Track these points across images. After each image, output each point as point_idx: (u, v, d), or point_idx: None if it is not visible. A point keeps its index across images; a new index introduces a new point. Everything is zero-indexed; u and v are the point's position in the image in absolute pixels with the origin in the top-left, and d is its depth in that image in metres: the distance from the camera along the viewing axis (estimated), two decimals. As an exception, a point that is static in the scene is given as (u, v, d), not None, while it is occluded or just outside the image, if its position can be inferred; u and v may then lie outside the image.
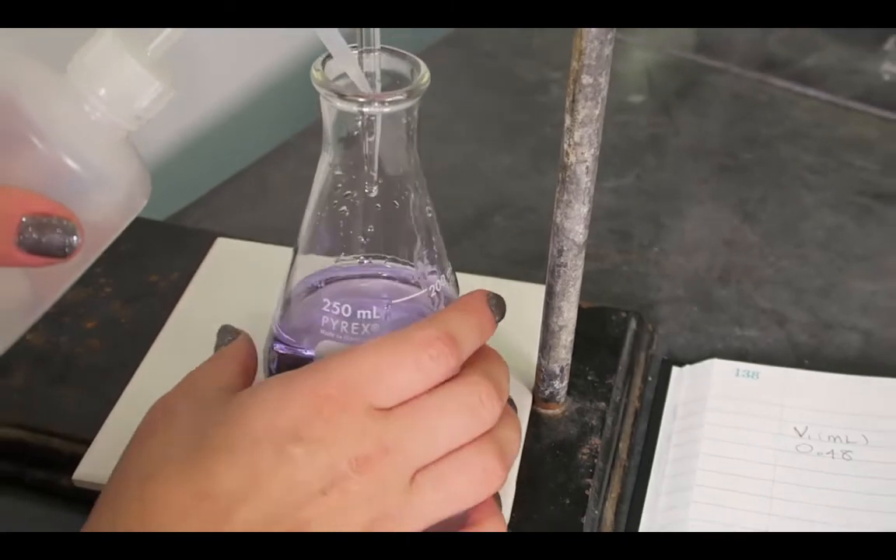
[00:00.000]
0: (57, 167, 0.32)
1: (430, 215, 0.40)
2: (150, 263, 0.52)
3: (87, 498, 0.42)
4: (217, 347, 0.40)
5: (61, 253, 0.31)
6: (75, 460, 0.42)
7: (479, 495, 0.35)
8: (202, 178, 0.62)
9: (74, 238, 0.31)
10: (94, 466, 0.42)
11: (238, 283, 0.51)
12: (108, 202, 0.33)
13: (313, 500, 0.32)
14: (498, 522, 0.36)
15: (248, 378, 0.38)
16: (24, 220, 0.30)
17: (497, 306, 0.37)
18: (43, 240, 0.30)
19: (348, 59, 0.35)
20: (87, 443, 0.43)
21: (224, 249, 0.53)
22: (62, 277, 0.35)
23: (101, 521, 0.32)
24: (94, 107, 0.32)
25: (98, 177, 0.33)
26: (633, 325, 0.50)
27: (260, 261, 0.53)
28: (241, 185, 0.62)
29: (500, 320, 0.37)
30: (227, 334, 0.41)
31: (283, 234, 0.54)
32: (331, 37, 0.35)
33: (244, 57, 0.71)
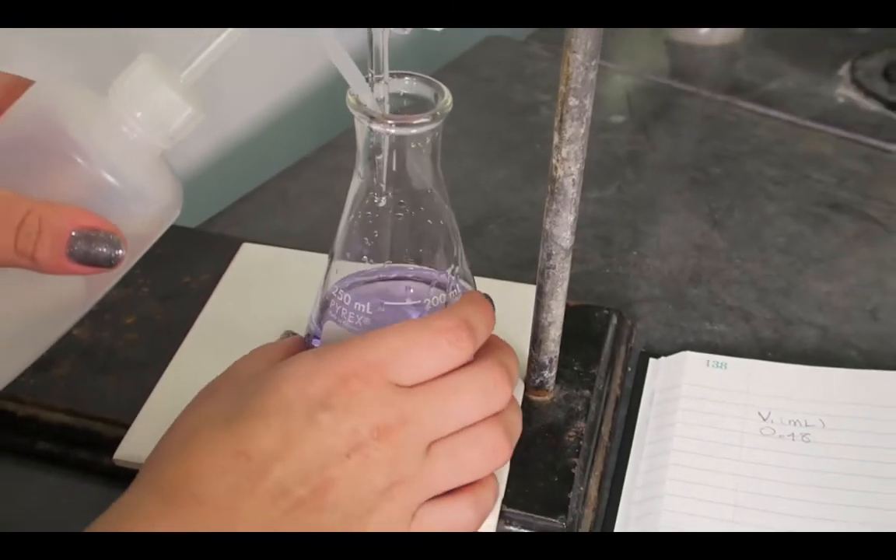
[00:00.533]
0: (99, 184, 0.32)
1: (452, 224, 0.40)
2: (183, 266, 0.52)
3: (126, 475, 0.42)
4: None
5: (108, 263, 0.31)
6: (115, 442, 0.43)
7: (486, 469, 0.35)
8: (229, 190, 0.62)
9: (119, 251, 0.31)
10: (132, 447, 0.42)
11: (261, 284, 0.52)
12: (145, 214, 0.33)
13: (338, 461, 0.32)
14: (493, 483, 0.37)
15: None
16: (73, 234, 0.30)
17: (490, 302, 0.37)
18: (91, 252, 0.30)
19: (362, 86, 0.35)
20: (126, 426, 0.43)
21: (248, 253, 0.53)
22: (106, 280, 0.35)
23: (145, 478, 0.32)
24: (132, 128, 0.32)
25: (136, 192, 0.33)
26: (614, 321, 0.50)
27: (280, 264, 0.53)
28: (264, 196, 0.62)
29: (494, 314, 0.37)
30: (290, 336, 0.41)
31: (301, 240, 0.55)
32: (347, 66, 0.35)
33: (266, 82, 0.71)
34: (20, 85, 0.34)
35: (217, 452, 0.31)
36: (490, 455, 0.35)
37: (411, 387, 0.34)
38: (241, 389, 0.34)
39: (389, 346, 0.34)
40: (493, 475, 0.37)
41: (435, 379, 0.34)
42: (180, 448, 0.32)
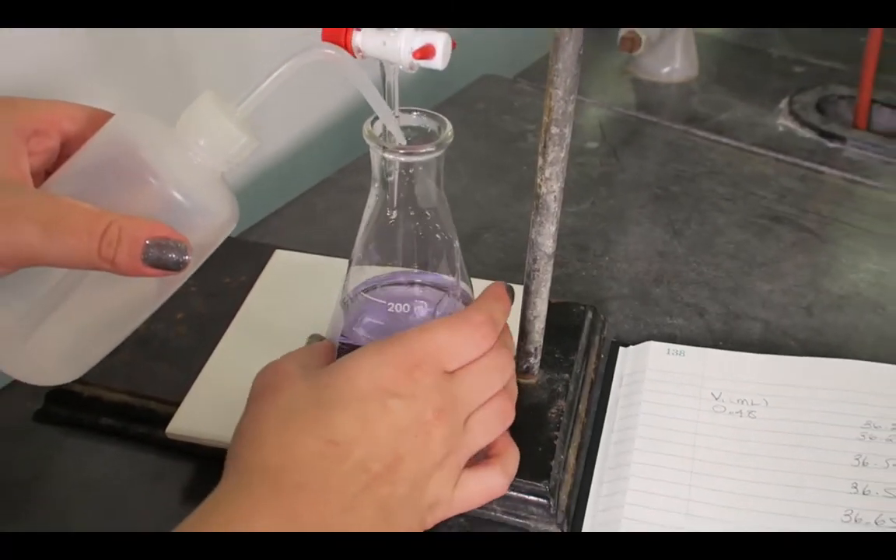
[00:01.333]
0: (169, 201, 0.32)
1: (453, 235, 0.40)
2: (225, 269, 0.52)
3: (176, 447, 0.43)
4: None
5: (176, 268, 0.31)
6: (168, 418, 0.43)
7: (501, 429, 0.38)
8: (264, 205, 0.62)
9: (186, 257, 0.31)
10: (182, 422, 0.43)
11: (290, 284, 0.52)
12: (207, 226, 0.34)
13: (407, 440, 0.33)
14: (515, 451, 0.39)
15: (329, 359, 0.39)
16: (147, 242, 0.30)
17: (510, 293, 0.39)
18: (162, 257, 0.31)
19: (391, 120, 0.36)
20: (177, 404, 0.43)
21: (280, 258, 0.53)
22: (174, 282, 0.35)
23: (246, 465, 0.32)
24: (196, 154, 0.33)
25: (200, 208, 0.33)
26: (589, 315, 0.50)
27: (307, 267, 0.53)
28: (293, 210, 0.63)
29: (512, 303, 0.39)
30: (315, 338, 0.42)
31: (324, 247, 0.55)
32: (378, 102, 0.35)
33: (296, 116, 0.71)
34: (101, 116, 0.34)
35: (311, 442, 0.32)
36: (504, 419, 0.37)
37: (453, 372, 0.35)
38: (312, 378, 0.34)
39: (440, 339, 0.35)
40: (514, 444, 0.39)
41: (469, 363, 0.35)
42: (276, 433, 0.32)
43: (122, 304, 0.36)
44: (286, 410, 0.33)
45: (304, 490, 0.31)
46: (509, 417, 0.38)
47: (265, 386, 0.35)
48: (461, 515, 0.39)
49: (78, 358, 0.36)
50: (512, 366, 0.37)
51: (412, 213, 0.38)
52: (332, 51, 0.33)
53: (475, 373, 0.36)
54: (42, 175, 0.34)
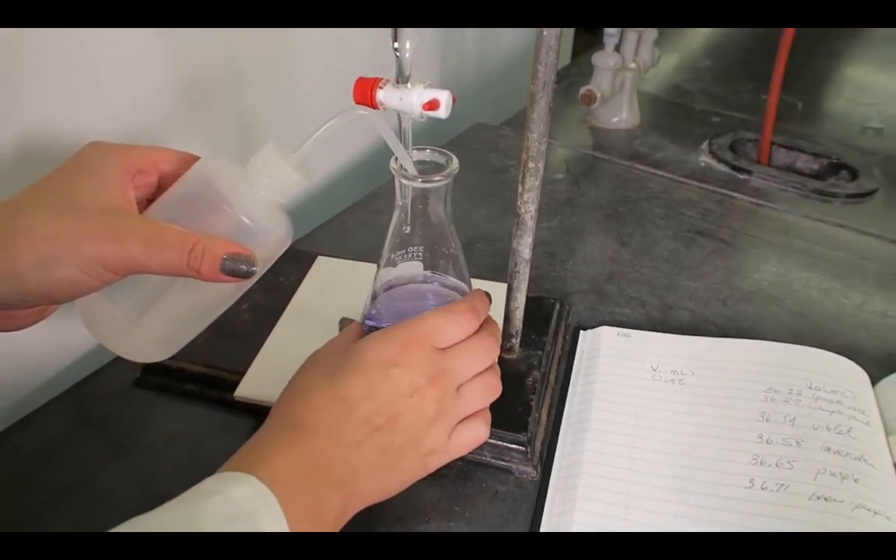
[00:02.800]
0: (241, 225, 0.32)
1: (457, 246, 0.39)
2: (279, 271, 0.52)
3: (242, 407, 0.43)
4: (340, 329, 0.41)
5: (246, 276, 0.31)
6: (235, 384, 0.43)
7: (490, 399, 0.37)
8: (309, 221, 0.62)
9: (254, 268, 0.31)
10: (247, 388, 0.42)
11: (329, 283, 0.51)
12: (268, 244, 0.34)
13: (404, 399, 0.33)
14: (489, 416, 0.37)
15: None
16: (224, 257, 0.30)
17: (488, 296, 0.38)
18: (236, 268, 0.31)
19: (404, 156, 0.36)
20: (242, 374, 0.43)
21: (321, 263, 0.53)
22: (245, 285, 0.35)
23: (276, 419, 0.32)
24: (261, 189, 0.33)
25: (264, 230, 0.33)
26: (557, 306, 0.49)
27: (342, 270, 0.53)
28: (331, 226, 0.62)
29: (490, 303, 0.38)
30: (346, 322, 0.42)
31: (355, 255, 0.55)
32: (396, 144, 0.35)
33: (333, 153, 0.71)
34: (189, 159, 0.35)
35: (324, 398, 0.32)
36: (492, 391, 0.37)
37: (445, 349, 0.35)
38: (337, 357, 0.34)
39: (430, 322, 0.35)
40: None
41: (458, 343, 0.35)
42: (301, 398, 0.33)
43: (204, 302, 0.36)
44: (312, 377, 0.34)
45: (318, 435, 0.31)
46: (496, 390, 0.37)
47: (307, 362, 0.35)
48: (460, 459, 0.39)
49: (170, 342, 0.37)
50: (497, 350, 0.37)
51: (426, 228, 0.38)
52: (364, 112, 0.33)
53: (463, 350, 0.35)
54: (144, 204, 0.34)
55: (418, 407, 0.33)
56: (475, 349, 0.36)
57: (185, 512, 0.26)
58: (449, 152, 0.37)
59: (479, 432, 0.36)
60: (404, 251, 0.38)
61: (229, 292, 0.35)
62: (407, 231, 0.38)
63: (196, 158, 0.34)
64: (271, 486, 0.28)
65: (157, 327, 0.35)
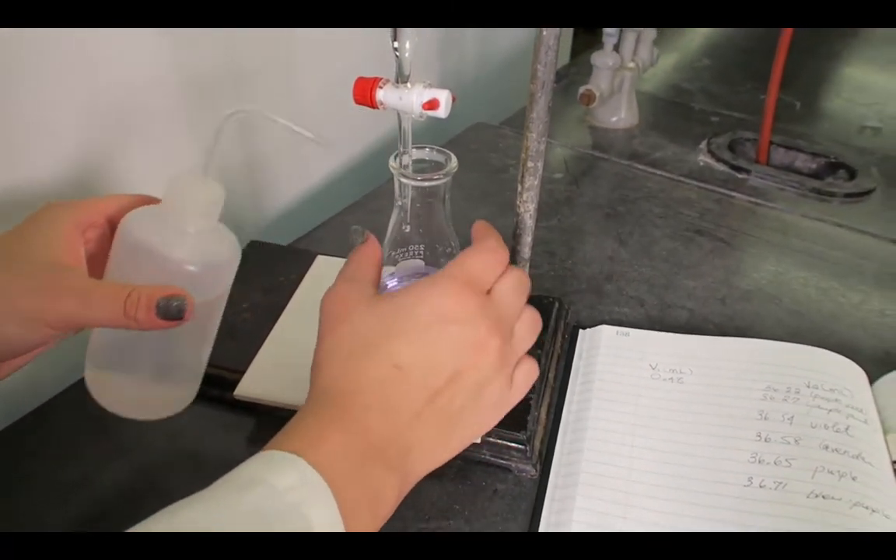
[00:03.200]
0: (185, 273, 0.31)
1: (455, 242, 0.39)
2: (279, 270, 0.52)
3: (243, 406, 0.42)
4: (351, 242, 0.36)
5: (180, 316, 0.30)
6: (235, 383, 0.42)
7: (536, 336, 0.35)
8: (309, 221, 0.62)
9: (185, 307, 0.30)
10: (246, 387, 0.42)
11: (328, 282, 0.51)
12: (220, 273, 0.33)
13: (465, 357, 0.30)
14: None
15: (379, 269, 0.35)
16: (158, 301, 0.29)
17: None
18: (169, 310, 0.30)
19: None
20: (242, 373, 0.43)
21: (321, 262, 0.53)
22: (218, 305, 0.35)
23: (319, 393, 0.30)
24: (192, 225, 0.32)
25: (210, 263, 0.32)
26: (556, 305, 0.49)
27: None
28: (330, 226, 0.62)
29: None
30: (358, 233, 0.36)
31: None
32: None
33: (332, 155, 0.71)
34: (139, 200, 0.34)
35: (375, 368, 0.29)
36: (536, 326, 0.35)
37: (489, 292, 0.32)
38: (373, 307, 0.31)
39: (474, 264, 0.32)
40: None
41: (498, 282, 0.32)
42: (341, 362, 0.30)
43: (195, 336, 0.35)
44: (354, 341, 0.30)
45: (372, 409, 0.28)
46: (539, 324, 0.35)
47: (334, 317, 0.32)
48: (459, 458, 0.39)
49: (186, 384, 0.37)
50: (529, 283, 0.34)
51: (426, 226, 0.38)
52: (252, 108, 0.33)
53: (505, 290, 0.32)
54: (101, 256, 0.33)
55: (481, 361, 0.31)
56: (516, 286, 0.33)
57: (225, 505, 0.24)
58: (448, 151, 0.37)
59: (533, 371, 0.34)
60: (405, 249, 0.38)
61: (216, 311, 0.35)
62: (407, 230, 0.38)
63: (145, 198, 0.33)
64: (321, 471, 0.25)
65: (170, 378, 0.35)
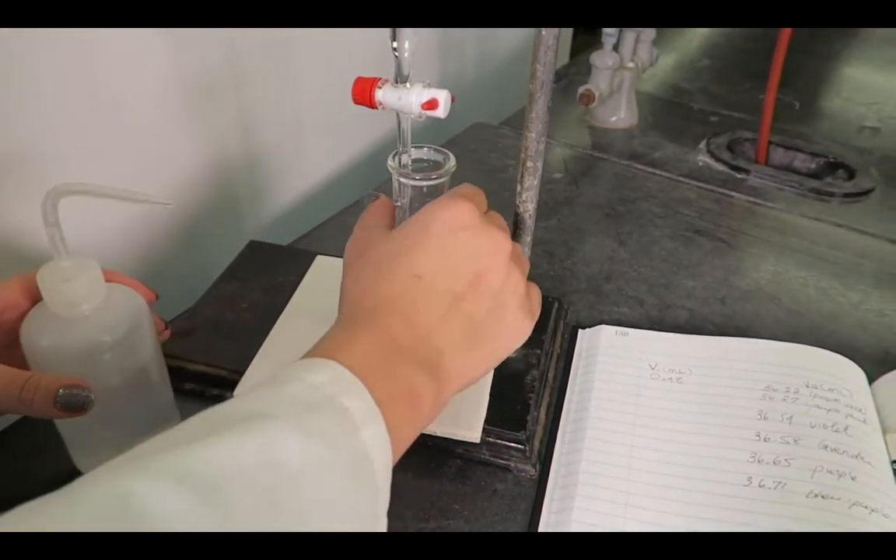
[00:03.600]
0: (97, 362, 0.32)
1: None
2: (278, 270, 0.52)
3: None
4: (365, 205, 0.37)
5: (83, 408, 0.30)
6: (235, 383, 0.42)
7: (527, 268, 0.36)
8: (308, 221, 0.62)
9: (88, 401, 0.30)
10: (248, 386, 0.42)
11: (327, 282, 0.51)
12: (122, 342, 0.33)
13: (484, 259, 0.31)
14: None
15: (392, 217, 0.36)
16: (59, 391, 0.29)
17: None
18: (71, 401, 0.30)
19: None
20: (242, 373, 0.43)
21: (320, 262, 0.53)
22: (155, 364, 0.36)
23: (345, 307, 0.30)
24: (84, 313, 0.32)
25: (119, 340, 0.32)
26: (556, 305, 0.49)
27: (340, 268, 0.52)
28: (330, 225, 0.62)
29: None
30: (371, 197, 0.38)
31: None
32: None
33: (332, 153, 0.70)
34: (26, 281, 0.33)
35: (398, 281, 0.29)
36: (526, 258, 0.36)
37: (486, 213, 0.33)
38: (390, 236, 0.32)
39: (466, 192, 0.33)
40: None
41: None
42: (371, 284, 0.30)
43: (152, 381, 0.36)
44: (375, 263, 0.31)
45: (396, 316, 0.28)
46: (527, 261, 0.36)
47: (354, 255, 0.33)
48: (458, 458, 0.39)
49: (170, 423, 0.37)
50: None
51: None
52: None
53: (496, 214, 0.34)
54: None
55: (498, 263, 0.31)
56: (497, 221, 0.34)
57: (268, 393, 0.24)
58: (446, 151, 0.37)
59: (538, 292, 0.35)
60: None
61: (148, 353, 0.35)
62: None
63: (25, 278, 0.33)
64: (353, 370, 0.25)
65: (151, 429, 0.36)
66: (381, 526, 0.24)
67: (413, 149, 0.37)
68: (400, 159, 0.36)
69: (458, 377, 0.30)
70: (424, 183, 0.36)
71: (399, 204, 0.38)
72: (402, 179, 0.36)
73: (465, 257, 0.30)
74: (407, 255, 0.30)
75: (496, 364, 0.32)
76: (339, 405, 0.24)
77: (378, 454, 0.24)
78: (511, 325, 0.32)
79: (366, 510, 0.23)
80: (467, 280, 0.30)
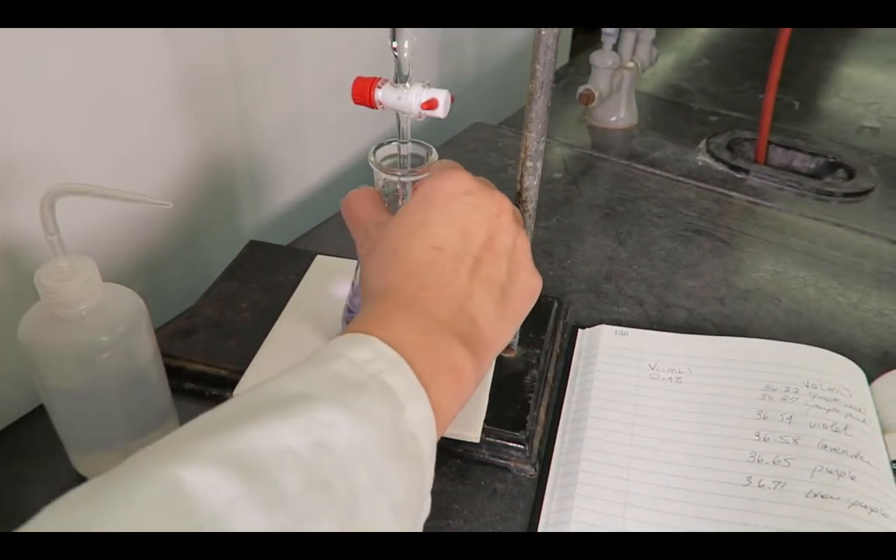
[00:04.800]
0: (91, 361, 0.32)
1: None
2: (278, 269, 0.52)
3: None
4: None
5: None
6: (235, 382, 0.42)
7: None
8: (308, 221, 0.62)
9: None
10: (247, 386, 0.42)
11: (327, 281, 0.51)
12: (114, 350, 0.33)
13: (491, 220, 0.31)
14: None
15: (378, 201, 0.35)
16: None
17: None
18: None
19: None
20: (242, 372, 0.43)
21: (320, 262, 0.53)
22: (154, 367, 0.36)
23: (369, 295, 0.29)
24: (81, 311, 0.32)
25: (115, 342, 0.33)
26: (555, 305, 0.49)
27: (339, 268, 0.52)
28: (329, 225, 0.62)
29: None
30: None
31: (355, 255, 0.54)
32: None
33: (332, 153, 0.70)
34: None
35: (420, 256, 0.29)
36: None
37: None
38: (399, 222, 0.30)
39: (451, 163, 0.33)
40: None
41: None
42: (394, 263, 0.29)
43: (152, 383, 0.36)
44: (392, 249, 0.30)
45: (427, 289, 0.28)
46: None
47: (365, 252, 0.32)
48: (458, 457, 0.39)
49: (168, 425, 0.38)
50: None
51: None
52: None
53: (485, 180, 0.33)
54: None
55: (505, 222, 0.31)
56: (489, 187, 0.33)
57: (313, 371, 0.23)
58: (429, 144, 0.37)
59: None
60: None
61: (148, 354, 0.35)
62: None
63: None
64: (394, 346, 0.25)
65: (147, 434, 0.36)
66: (427, 505, 0.24)
67: (393, 144, 0.36)
68: (400, 155, 0.36)
69: (494, 344, 0.29)
70: (407, 179, 0.36)
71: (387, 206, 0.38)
72: (385, 176, 0.36)
73: (475, 221, 0.30)
74: (421, 230, 0.29)
75: (519, 326, 0.32)
76: (383, 383, 0.23)
77: (424, 432, 0.24)
78: (527, 284, 0.31)
79: (413, 489, 0.23)
80: (481, 243, 0.30)
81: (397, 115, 0.35)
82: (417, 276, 0.28)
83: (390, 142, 0.37)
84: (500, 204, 0.31)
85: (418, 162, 0.37)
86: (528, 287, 0.32)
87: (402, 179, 0.36)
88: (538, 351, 0.45)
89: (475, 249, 0.29)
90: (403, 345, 0.25)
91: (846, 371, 0.44)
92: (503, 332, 0.30)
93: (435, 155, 0.36)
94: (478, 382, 0.28)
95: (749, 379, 0.43)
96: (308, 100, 0.62)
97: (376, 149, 0.36)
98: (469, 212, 0.30)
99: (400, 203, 0.37)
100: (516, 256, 0.31)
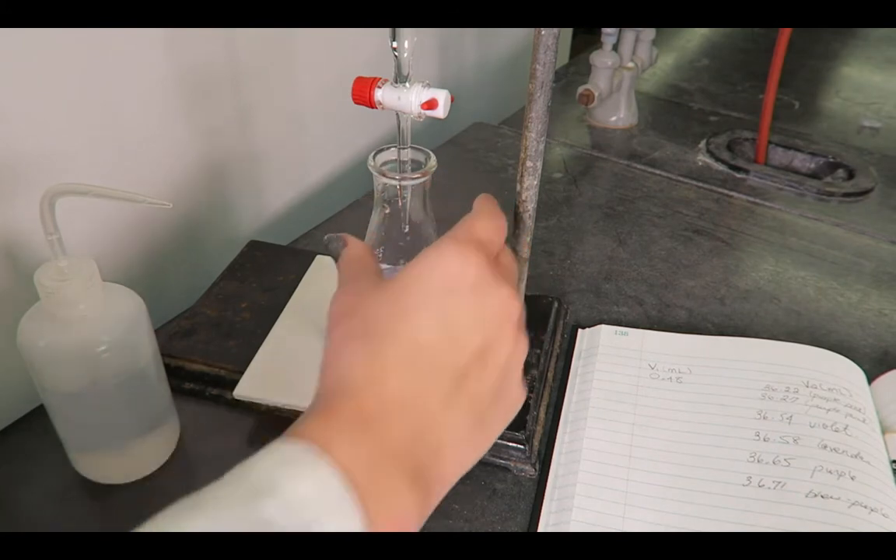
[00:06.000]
0: (89, 356, 0.33)
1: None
2: (278, 269, 0.52)
3: (241, 406, 0.42)
4: (334, 253, 0.30)
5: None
6: (234, 383, 0.42)
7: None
8: (307, 221, 0.62)
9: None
10: (245, 387, 0.42)
11: (326, 281, 0.51)
12: (114, 351, 0.33)
13: (492, 327, 0.26)
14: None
15: (372, 257, 0.30)
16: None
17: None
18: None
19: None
20: (241, 372, 0.43)
21: (320, 262, 0.53)
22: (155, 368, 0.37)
23: (328, 382, 0.24)
24: (81, 310, 0.32)
25: (113, 340, 0.33)
26: (555, 305, 0.49)
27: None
28: (329, 225, 0.62)
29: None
30: (334, 240, 0.30)
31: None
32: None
33: (332, 154, 0.70)
34: None
35: (395, 349, 0.24)
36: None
37: (496, 258, 0.28)
38: (388, 296, 0.25)
39: (481, 230, 0.28)
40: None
41: (500, 252, 0.29)
42: (359, 357, 0.24)
43: (152, 385, 0.37)
44: (365, 329, 0.25)
45: (393, 404, 0.23)
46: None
47: (341, 314, 0.26)
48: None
49: (167, 429, 0.38)
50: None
51: (407, 224, 0.38)
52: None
53: (510, 259, 0.29)
54: None
55: (507, 333, 0.26)
56: (513, 257, 0.29)
57: (232, 516, 0.19)
58: (427, 150, 0.37)
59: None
60: (384, 246, 0.38)
61: (148, 354, 0.36)
62: (404, 230, 0.38)
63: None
64: (342, 472, 0.21)
65: (147, 433, 0.37)
66: None
67: (393, 149, 0.37)
68: (401, 159, 0.36)
69: (451, 478, 0.25)
70: (407, 182, 0.36)
71: (380, 203, 0.38)
72: (385, 180, 0.36)
73: (471, 327, 0.25)
74: (406, 318, 0.24)
75: (489, 449, 0.27)
76: (318, 527, 0.20)
77: None
78: (512, 403, 0.27)
79: None
80: (472, 352, 0.25)
81: (397, 115, 0.35)
82: (383, 381, 0.23)
83: (389, 147, 0.37)
84: (506, 308, 0.26)
85: (417, 167, 0.37)
86: (513, 406, 0.27)
87: (403, 183, 0.36)
88: (538, 351, 0.45)
89: (464, 359, 0.25)
90: (349, 471, 0.21)
91: (846, 371, 0.44)
92: (468, 460, 0.25)
93: (433, 161, 0.36)
94: (421, 522, 0.23)
95: (749, 379, 0.43)
96: (308, 100, 0.62)
97: (376, 154, 0.36)
98: (468, 313, 0.25)
99: (400, 205, 0.37)
100: (508, 371, 0.26)
